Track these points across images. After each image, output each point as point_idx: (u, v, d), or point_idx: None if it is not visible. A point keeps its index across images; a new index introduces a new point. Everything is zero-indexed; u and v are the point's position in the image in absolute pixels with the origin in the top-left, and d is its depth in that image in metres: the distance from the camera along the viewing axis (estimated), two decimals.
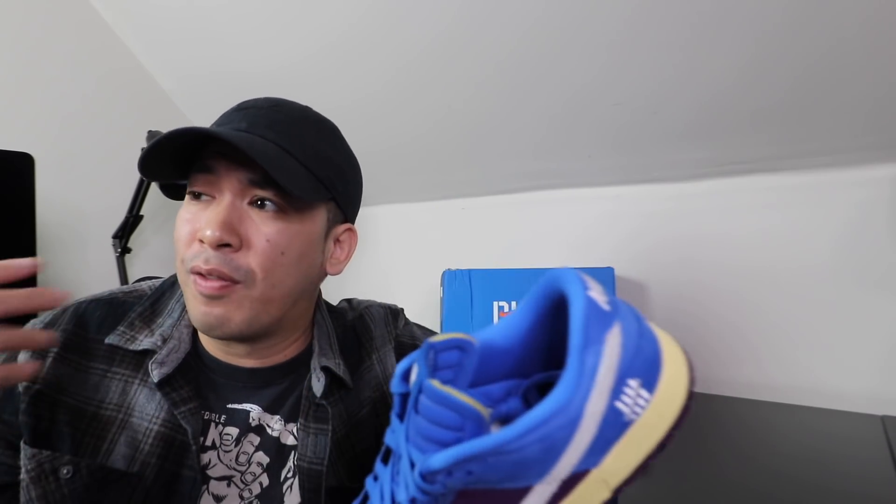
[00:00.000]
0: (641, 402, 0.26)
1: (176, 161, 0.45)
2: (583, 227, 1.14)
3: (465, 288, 1.09)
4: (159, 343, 0.47)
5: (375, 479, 0.29)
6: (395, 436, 0.28)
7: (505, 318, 0.30)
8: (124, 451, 0.44)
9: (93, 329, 0.47)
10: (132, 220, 1.29)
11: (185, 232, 0.45)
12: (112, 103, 1.36)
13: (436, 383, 0.25)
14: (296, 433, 0.50)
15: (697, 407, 0.94)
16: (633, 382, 0.26)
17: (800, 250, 0.92)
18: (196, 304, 0.44)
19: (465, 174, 1.26)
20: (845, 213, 0.88)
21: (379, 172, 1.33)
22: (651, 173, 1.05)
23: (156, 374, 0.45)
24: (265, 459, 0.49)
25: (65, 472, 0.43)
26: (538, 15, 0.85)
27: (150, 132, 1.21)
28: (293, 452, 0.49)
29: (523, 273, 1.07)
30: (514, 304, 1.06)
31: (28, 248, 1.03)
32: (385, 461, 0.29)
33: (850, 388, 0.86)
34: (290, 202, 0.45)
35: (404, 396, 0.28)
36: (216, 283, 0.43)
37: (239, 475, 0.48)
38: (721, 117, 0.89)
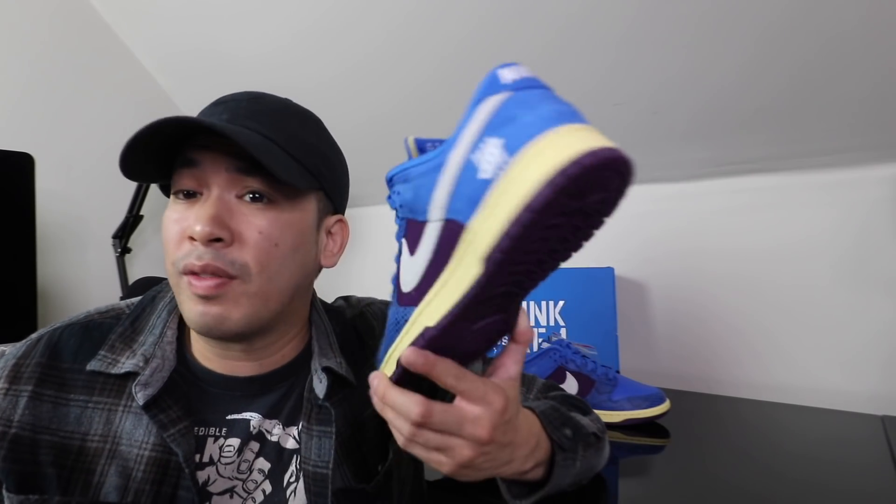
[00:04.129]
0: (501, 163, 0.25)
1: (160, 160, 0.44)
2: None
3: None
4: (141, 364, 0.45)
5: None
6: None
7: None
8: (116, 482, 0.42)
9: (68, 358, 0.45)
10: (132, 220, 1.29)
11: (173, 232, 0.43)
12: (112, 103, 1.36)
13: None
14: (296, 436, 0.49)
15: (697, 406, 0.93)
16: (493, 141, 0.26)
17: (800, 250, 0.92)
18: (191, 304, 0.42)
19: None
20: (846, 213, 0.88)
21: (379, 172, 1.33)
22: (651, 173, 1.05)
23: (140, 397, 0.43)
24: (266, 465, 0.48)
25: None
26: (539, 15, 0.85)
27: None
28: (295, 456, 0.49)
29: None
30: None
31: (28, 248, 1.03)
32: None
33: (850, 388, 0.86)
34: (280, 192, 0.44)
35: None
36: (211, 282, 0.41)
37: (241, 483, 0.47)
38: (721, 117, 0.88)
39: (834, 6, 0.68)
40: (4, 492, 0.42)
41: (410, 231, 0.34)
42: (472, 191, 0.27)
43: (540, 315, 1.01)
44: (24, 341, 0.46)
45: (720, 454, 0.67)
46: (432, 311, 0.32)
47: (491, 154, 0.25)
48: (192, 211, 0.43)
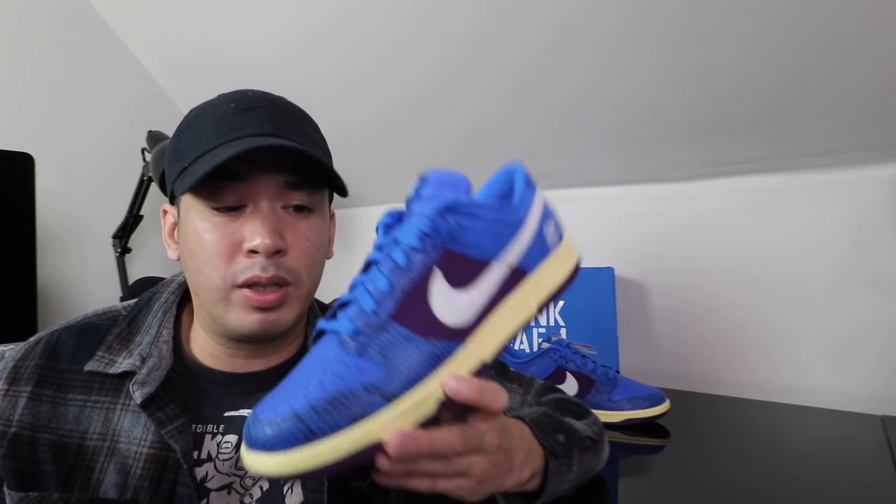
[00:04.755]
0: (556, 241, 0.38)
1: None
2: (583, 227, 1.14)
3: None
4: (138, 363, 0.45)
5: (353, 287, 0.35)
6: (384, 242, 0.35)
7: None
8: (115, 479, 0.43)
9: (66, 359, 0.46)
10: (132, 220, 1.29)
11: (221, 246, 0.43)
12: (112, 103, 1.36)
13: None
14: None
15: (697, 406, 0.93)
16: (551, 223, 0.39)
17: (800, 250, 0.92)
18: (245, 314, 0.44)
19: (465, 174, 1.26)
20: (846, 213, 0.88)
21: (379, 172, 1.33)
22: (651, 173, 1.05)
23: (138, 396, 0.44)
24: None
25: None
26: (539, 15, 0.85)
27: (149, 132, 1.21)
28: None
29: None
30: None
31: (28, 248, 1.03)
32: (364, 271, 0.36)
33: (850, 388, 0.86)
34: (315, 199, 0.47)
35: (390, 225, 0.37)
36: (274, 294, 0.44)
37: (238, 480, 0.47)
38: (721, 117, 0.88)
39: (833, 6, 0.68)
40: (6, 489, 0.42)
41: (453, 264, 0.33)
42: (539, 252, 0.37)
43: (540, 315, 1.01)
44: (22, 344, 0.47)
45: (720, 454, 0.67)
46: (486, 345, 0.34)
47: (552, 232, 0.38)
48: (238, 224, 0.44)
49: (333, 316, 0.34)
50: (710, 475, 0.61)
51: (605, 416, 0.75)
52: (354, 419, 0.29)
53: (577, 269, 0.39)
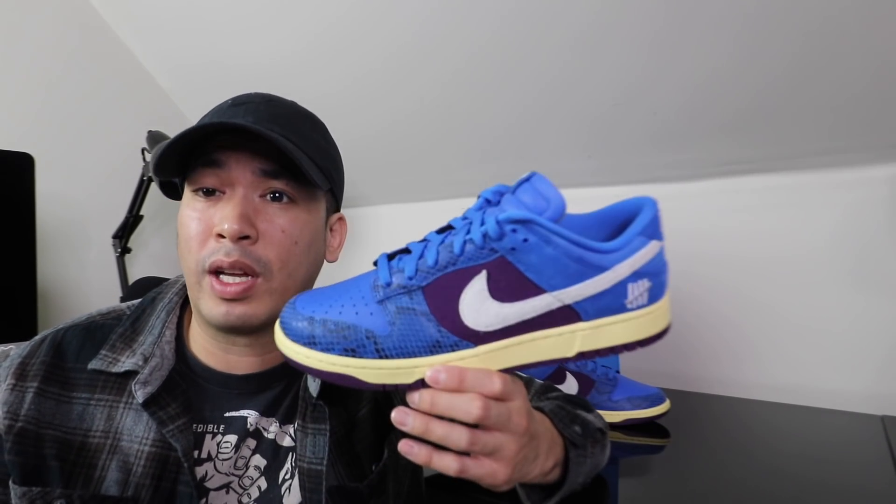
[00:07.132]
0: (641, 301, 0.34)
1: (180, 158, 0.45)
2: None
3: None
4: (141, 363, 0.46)
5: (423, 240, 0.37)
6: (471, 216, 0.36)
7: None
8: (117, 477, 0.44)
9: (71, 358, 0.47)
10: (132, 220, 1.29)
11: (196, 230, 0.44)
12: (112, 103, 1.36)
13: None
14: (292, 434, 0.50)
15: (697, 406, 0.93)
16: (644, 282, 0.34)
17: (799, 250, 0.92)
18: (213, 304, 0.44)
19: (466, 174, 1.26)
20: (844, 214, 0.88)
21: (379, 172, 1.33)
22: (651, 173, 1.05)
23: (140, 395, 0.44)
24: (262, 462, 0.49)
25: None
26: (539, 19, 0.85)
27: (149, 132, 1.21)
28: (290, 454, 0.49)
29: None
30: None
31: (28, 248, 1.03)
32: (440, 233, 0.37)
33: (850, 388, 0.86)
34: (299, 192, 0.46)
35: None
36: (237, 287, 0.43)
37: (237, 479, 0.47)
38: (721, 117, 0.88)
39: (831, 4, 0.68)
40: (10, 483, 0.43)
41: (505, 273, 0.33)
42: (608, 304, 0.34)
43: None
44: (28, 342, 0.48)
45: (720, 454, 0.68)
46: (500, 360, 0.35)
47: (640, 293, 0.34)
48: (216, 209, 0.44)
49: (395, 254, 0.38)
50: (710, 475, 0.61)
51: (606, 416, 0.75)
52: (346, 350, 0.34)
53: (653, 338, 0.35)
